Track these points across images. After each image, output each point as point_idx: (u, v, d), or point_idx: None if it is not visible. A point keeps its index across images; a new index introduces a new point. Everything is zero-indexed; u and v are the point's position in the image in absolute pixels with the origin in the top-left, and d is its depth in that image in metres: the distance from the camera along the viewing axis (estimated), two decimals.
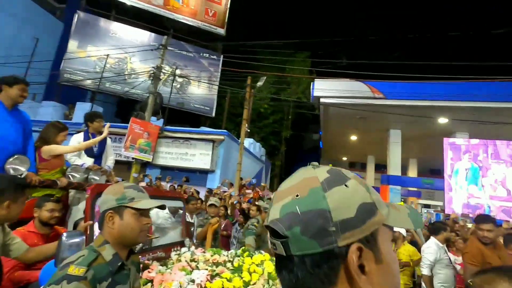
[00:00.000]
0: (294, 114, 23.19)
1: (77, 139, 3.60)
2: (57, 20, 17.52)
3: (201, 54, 14.78)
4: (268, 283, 2.07)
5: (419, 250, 4.10)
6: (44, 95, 14.71)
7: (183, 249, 2.21)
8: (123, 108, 16.45)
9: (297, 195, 0.45)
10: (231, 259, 2.23)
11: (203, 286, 1.82)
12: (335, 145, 22.17)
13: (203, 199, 6.59)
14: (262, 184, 11.97)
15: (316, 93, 13.67)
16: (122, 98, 13.87)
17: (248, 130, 10.67)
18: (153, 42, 13.59)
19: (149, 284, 1.74)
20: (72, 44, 13.08)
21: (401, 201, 17.47)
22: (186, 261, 2.04)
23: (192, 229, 2.83)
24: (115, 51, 12.30)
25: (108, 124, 3.78)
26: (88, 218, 1.79)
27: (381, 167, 22.90)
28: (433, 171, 23.71)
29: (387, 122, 15.23)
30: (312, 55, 20.23)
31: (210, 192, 8.03)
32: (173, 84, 13.22)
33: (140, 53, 13.26)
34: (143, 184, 7.73)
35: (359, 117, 15.19)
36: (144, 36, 14.31)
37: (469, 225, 6.63)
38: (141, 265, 1.75)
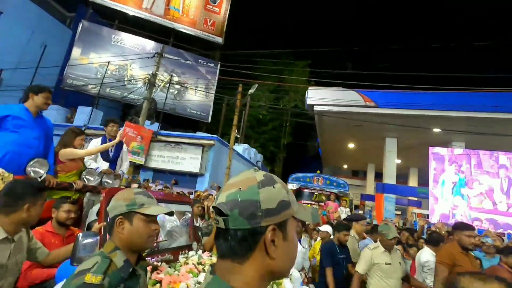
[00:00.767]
0: (294, 121, 23.44)
1: (95, 144, 3.71)
2: (66, 28, 18.41)
3: (199, 61, 15.31)
4: (272, 286, 2.08)
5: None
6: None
7: (191, 253, 2.27)
8: (129, 113, 17.09)
9: (239, 188, 0.62)
10: None
11: None
12: (334, 152, 22.25)
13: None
14: None
15: (309, 101, 13.95)
16: (128, 103, 14.45)
17: (238, 136, 10.98)
18: (153, 50, 14.16)
19: (158, 284, 1.78)
20: (76, 51, 13.79)
21: (397, 210, 17.43)
22: (193, 264, 2.08)
23: (200, 233, 2.85)
24: (116, 58, 12.93)
25: (122, 130, 3.84)
26: (102, 220, 1.84)
27: (381, 176, 22.85)
28: None
29: (383, 130, 15.32)
30: (311, 64, 20.59)
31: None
32: (170, 90, 13.71)
33: (140, 60, 13.85)
34: (135, 185, 8.12)
35: (354, 125, 15.32)
36: (144, 44, 14.93)
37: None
38: (150, 266, 1.84)
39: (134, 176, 9.26)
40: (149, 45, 15.00)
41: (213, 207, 0.64)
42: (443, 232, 6.05)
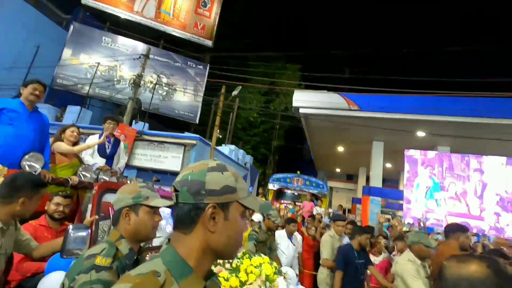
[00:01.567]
0: (287, 125, 23.65)
1: (92, 140, 3.72)
2: (62, 30, 18.83)
3: (188, 63, 15.67)
4: (265, 284, 2.10)
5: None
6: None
7: None
8: (117, 112, 17.45)
9: (192, 171, 0.74)
10: (230, 261, 2.25)
11: None
12: (324, 156, 22.40)
13: None
14: (259, 192, 12.39)
15: (295, 103, 14.20)
16: (116, 103, 14.79)
17: (220, 136, 11.23)
18: (144, 52, 14.50)
19: None
20: (66, 52, 14.17)
21: (389, 214, 17.53)
22: None
23: None
24: (105, 59, 13.31)
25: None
26: (93, 213, 1.85)
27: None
28: None
29: (370, 134, 15.50)
30: (302, 68, 20.90)
31: None
32: (159, 91, 14.03)
33: (129, 61, 14.20)
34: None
35: (341, 128, 15.52)
36: (135, 46, 15.30)
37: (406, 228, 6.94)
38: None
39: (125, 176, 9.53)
40: (140, 47, 15.37)
41: (173, 185, 0.75)
42: (399, 229, 6.26)
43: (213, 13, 16.73)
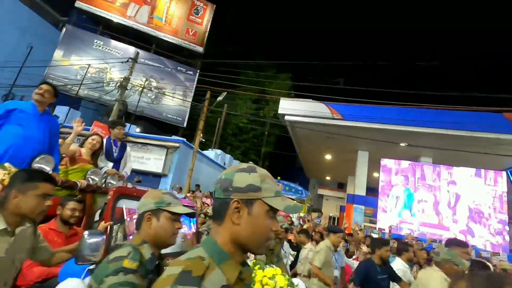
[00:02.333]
0: (277, 131, 23.94)
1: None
2: (57, 31, 19.20)
3: (179, 69, 16.02)
4: None
5: None
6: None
7: None
8: (104, 113, 17.75)
9: (227, 172, 0.85)
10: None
11: None
12: (313, 164, 22.65)
13: None
14: None
15: (281, 111, 14.52)
16: (104, 104, 15.06)
17: (203, 140, 11.49)
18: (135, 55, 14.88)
19: None
20: (58, 53, 14.49)
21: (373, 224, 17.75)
22: None
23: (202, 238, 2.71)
24: (95, 61, 13.65)
25: (78, 121, 3.41)
26: (108, 219, 1.82)
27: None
28: None
29: (355, 143, 15.78)
30: (293, 77, 21.34)
31: None
32: (148, 94, 14.32)
33: (120, 64, 14.52)
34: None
35: (327, 137, 15.81)
36: (126, 50, 15.65)
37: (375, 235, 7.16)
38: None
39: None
40: (131, 50, 15.72)
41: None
42: (360, 236, 6.49)
43: (205, 20, 17.16)
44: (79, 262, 1.55)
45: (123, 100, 11.36)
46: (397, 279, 3.20)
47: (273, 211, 0.81)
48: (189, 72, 16.37)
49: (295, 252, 5.58)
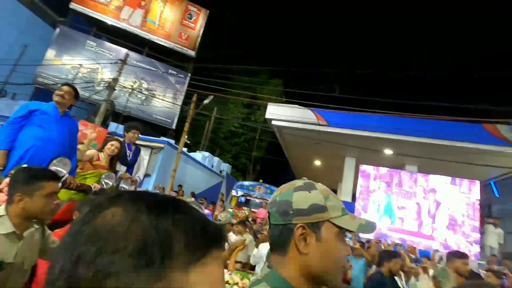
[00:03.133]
0: (269, 136, 24.14)
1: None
2: (54, 31, 19.50)
3: (170, 71, 16.32)
4: None
5: None
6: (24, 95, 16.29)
7: None
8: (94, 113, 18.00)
9: (280, 192, 0.74)
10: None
11: None
12: (303, 169, 22.76)
13: None
14: (219, 197, 12.77)
15: (268, 115, 14.76)
16: (93, 104, 15.30)
17: (188, 142, 11.68)
18: (128, 57, 15.15)
19: None
20: (50, 53, 14.77)
21: None
22: None
23: None
24: (86, 62, 13.95)
25: (91, 127, 3.60)
26: None
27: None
28: None
29: (341, 150, 15.98)
30: (284, 81, 21.69)
31: None
32: (139, 96, 14.56)
33: (112, 65, 14.80)
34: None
35: (315, 143, 16.01)
36: (119, 51, 15.93)
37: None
38: None
39: None
40: (124, 52, 16.00)
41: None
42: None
43: (198, 25, 17.52)
44: None
45: (111, 100, 11.58)
46: None
47: (342, 232, 0.72)
48: (180, 75, 16.66)
49: None
